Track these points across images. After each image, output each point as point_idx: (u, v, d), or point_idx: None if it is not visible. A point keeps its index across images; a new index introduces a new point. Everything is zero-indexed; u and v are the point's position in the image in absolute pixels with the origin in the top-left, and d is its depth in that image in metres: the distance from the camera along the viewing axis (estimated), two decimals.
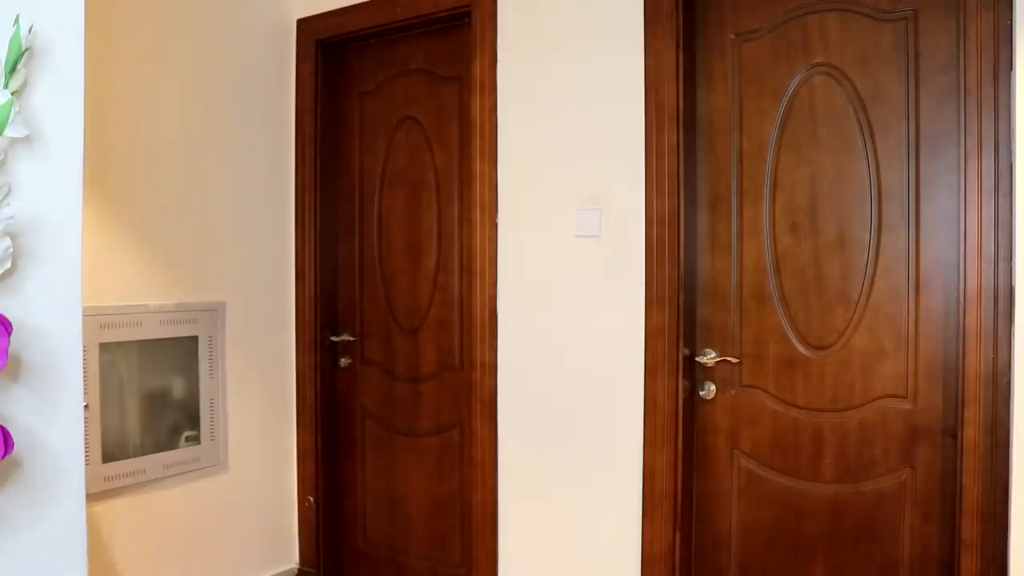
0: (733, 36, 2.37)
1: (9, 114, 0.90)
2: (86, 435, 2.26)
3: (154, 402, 2.79)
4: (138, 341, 2.70)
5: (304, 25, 3.18)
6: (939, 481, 2.11)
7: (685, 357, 2.39)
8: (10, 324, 0.88)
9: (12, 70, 0.91)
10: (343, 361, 3.21)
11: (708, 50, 2.41)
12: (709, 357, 2.40)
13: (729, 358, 2.38)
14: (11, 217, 0.92)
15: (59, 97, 0.99)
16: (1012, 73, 1.92)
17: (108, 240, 2.60)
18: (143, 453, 2.72)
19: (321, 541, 3.20)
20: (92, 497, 2.50)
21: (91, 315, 2.54)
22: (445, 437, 2.96)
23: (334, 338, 3.21)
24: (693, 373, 2.43)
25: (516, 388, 2.69)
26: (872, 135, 2.18)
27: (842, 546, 2.24)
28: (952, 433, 2.07)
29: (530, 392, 2.66)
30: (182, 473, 2.83)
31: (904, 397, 2.16)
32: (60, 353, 1.00)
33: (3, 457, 0.87)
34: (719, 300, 2.41)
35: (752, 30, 2.34)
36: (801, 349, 2.29)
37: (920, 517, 2.14)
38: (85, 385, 2.22)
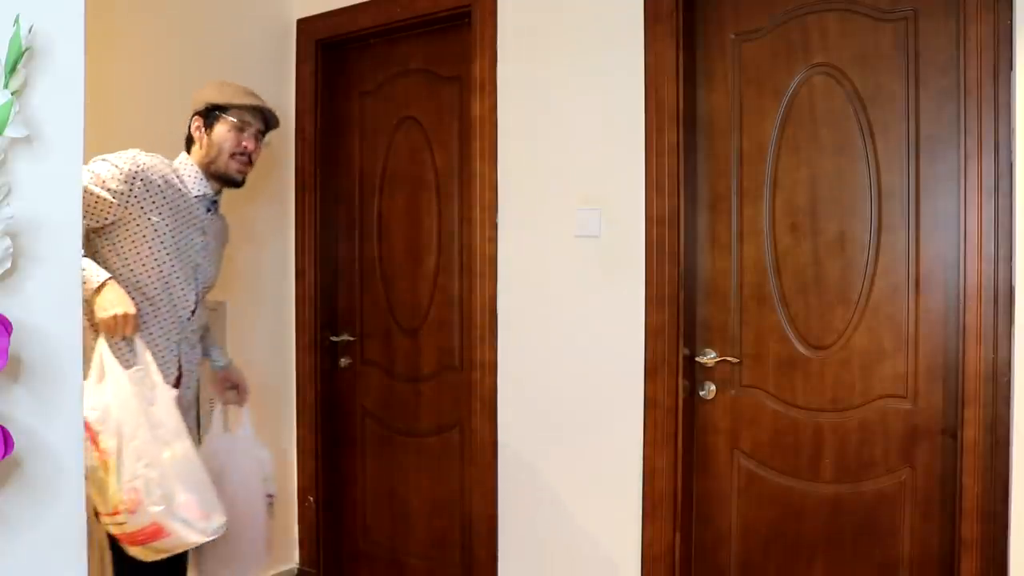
0: (733, 36, 2.37)
1: (9, 114, 0.90)
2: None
3: None
4: None
5: (304, 25, 3.18)
6: (939, 481, 2.11)
7: (685, 357, 2.39)
8: (10, 324, 0.88)
9: (12, 70, 0.91)
10: (343, 361, 3.21)
11: (708, 50, 2.41)
12: (709, 357, 2.40)
13: (729, 358, 2.38)
14: (11, 217, 0.92)
15: (59, 97, 0.99)
16: (1012, 73, 1.92)
17: None
18: None
19: (321, 541, 3.20)
20: None
21: None
22: (445, 437, 2.96)
23: (334, 338, 3.21)
24: (693, 373, 2.43)
25: (516, 388, 2.69)
26: (872, 135, 2.18)
27: (842, 546, 2.24)
28: (952, 433, 2.07)
29: (530, 392, 2.65)
30: None
31: (904, 397, 2.16)
32: (60, 353, 1.00)
33: (3, 457, 0.87)
34: (719, 300, 2.41)
35: (752, 30, 2.34)
36: (801, 349, 2.29)
37: (920, 517, 2.14)
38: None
